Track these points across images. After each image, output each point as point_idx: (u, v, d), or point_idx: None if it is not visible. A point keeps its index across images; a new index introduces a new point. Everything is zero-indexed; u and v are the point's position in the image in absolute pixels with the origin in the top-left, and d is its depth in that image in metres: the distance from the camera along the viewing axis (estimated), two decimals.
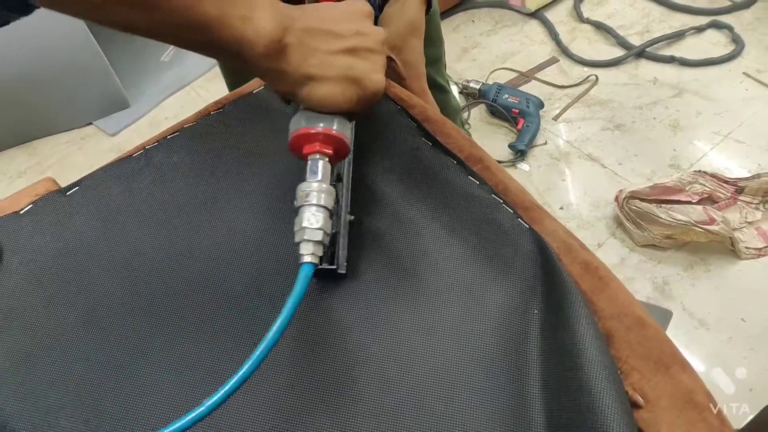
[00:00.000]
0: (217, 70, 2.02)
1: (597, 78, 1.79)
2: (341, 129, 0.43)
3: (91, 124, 1.95)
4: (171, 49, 1.99)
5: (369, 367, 0.42)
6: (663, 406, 0.38)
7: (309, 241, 0.40)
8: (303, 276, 0.39)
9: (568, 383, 0.39)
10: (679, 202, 1.37)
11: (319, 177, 0.42)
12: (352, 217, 0.48)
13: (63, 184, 0.56)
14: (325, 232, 0.40)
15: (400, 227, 0.49)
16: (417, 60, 0.65)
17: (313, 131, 0.42)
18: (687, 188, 1.39)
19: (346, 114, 0.44)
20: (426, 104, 0.58)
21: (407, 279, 0.46)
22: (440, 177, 0.51)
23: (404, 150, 0.53)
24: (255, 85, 0.61)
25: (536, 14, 2.04)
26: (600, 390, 0.37)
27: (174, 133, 0.57)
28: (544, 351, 0.41)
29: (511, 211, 0.49)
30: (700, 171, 1.41)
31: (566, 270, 0.44)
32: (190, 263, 0.49)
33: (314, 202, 0.41)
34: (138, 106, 1.96)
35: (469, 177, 0.51)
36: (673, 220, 1.31)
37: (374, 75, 0.43)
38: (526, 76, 1.86)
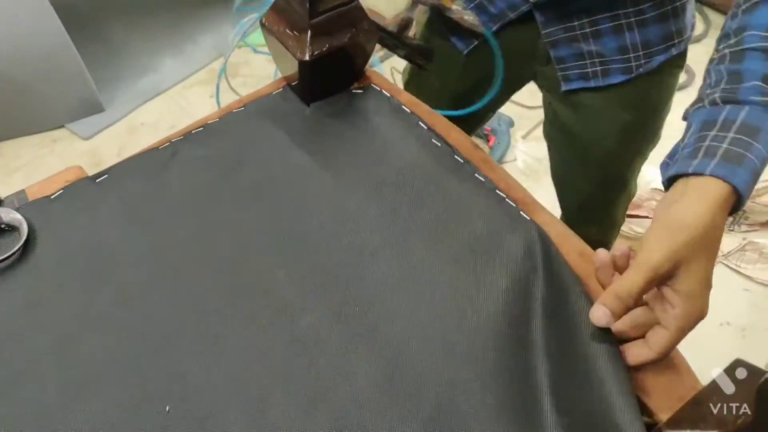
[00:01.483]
0: (195, 78, 2.04)
1: None
2: None
3: (63, 126, 1.94)
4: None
5: (384, 344, 0.47)
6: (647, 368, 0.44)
7: None
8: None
9: (567, 352, 0.45)
10: (638, 216, 1.47)
11: None
12: None
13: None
14: None
15: (414, 214, 0.54)
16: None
17: None
18: (644, 204, 1.49)
19: None
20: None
21: (422, 261, 0.51)
22: (451, 175, 0.56)
23: (416, 151, 0.59)
24: (273, 87, 0.65)
25: None
26: (594, 354, 0.43)
27: (198, 128, 0.61)
28: (546, 327, 0.47)
29: (514, 204, 0.55)
30: (656, 189, 1.52)
31: (564, 257, 0.50)
32: (217, 252, 0.52)
33: None
34: (112, 110, 1.96)
35: (476, 175, 0.56)
36: (632, 233, 1.41)
37: None
38: None
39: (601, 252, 0.48)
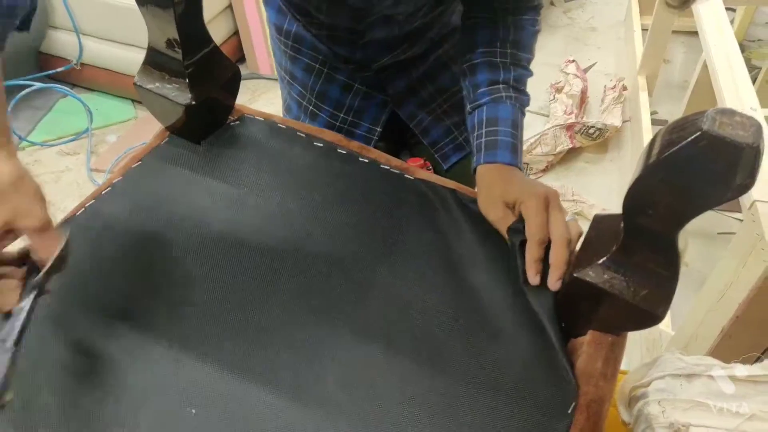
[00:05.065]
0: None
1: None
2: None
3: None
4: None
5: (360, 281, 0.58)
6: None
7: None
8: None
9: (474, 247, 0.60)
10: None
11: None
12: None
13: None
14: None
15: (331, 201, 0.65)
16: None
17: None
18: None
19: None
20: None
21: (357, 232, 0.63)
22: (342, 164, 0.69)
23: (307, 154, 0.71)
24: (158, 139, 0.72)
25: None
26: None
27: (107, 188, 0.66)
28: (457, 234, 0.62)
29: (398, 171, 0.69)
30: None
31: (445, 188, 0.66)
32: (192, 270, 0.58)
33: None
34: None
35: (360, 159, 0.70)
36: None
37: None
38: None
39: None
